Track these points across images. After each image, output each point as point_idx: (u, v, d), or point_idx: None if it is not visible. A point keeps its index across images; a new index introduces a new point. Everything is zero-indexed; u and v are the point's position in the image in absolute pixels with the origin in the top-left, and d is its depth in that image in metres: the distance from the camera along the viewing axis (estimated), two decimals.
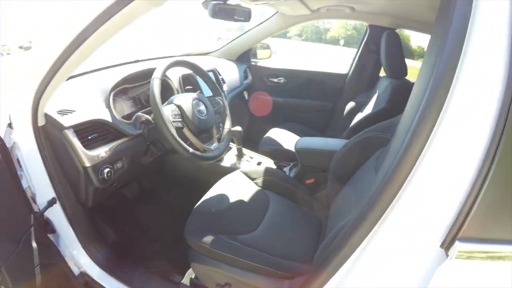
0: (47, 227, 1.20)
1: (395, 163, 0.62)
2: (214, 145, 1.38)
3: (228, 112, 1.54)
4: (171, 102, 1.30)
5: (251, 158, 1.93)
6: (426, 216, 0.62)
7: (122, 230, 1.58)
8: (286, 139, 2.21)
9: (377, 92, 2.12)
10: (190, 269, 1.50)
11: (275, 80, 2.82)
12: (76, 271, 1.32)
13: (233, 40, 2.69)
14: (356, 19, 2.62)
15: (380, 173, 0.71)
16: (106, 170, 1.20)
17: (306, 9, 2.07)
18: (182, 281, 1.44)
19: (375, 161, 1.09)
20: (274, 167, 1.90)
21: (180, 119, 1.26)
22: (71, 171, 1.14)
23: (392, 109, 1.79)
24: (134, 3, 0.75)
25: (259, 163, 1.89)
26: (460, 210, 0.58)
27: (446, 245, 0.61)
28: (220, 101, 1.52)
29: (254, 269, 1.05)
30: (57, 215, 1.19)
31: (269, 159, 1.98)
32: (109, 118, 1.25)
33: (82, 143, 1.12)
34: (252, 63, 2.85)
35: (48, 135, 1.08)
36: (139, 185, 1.87)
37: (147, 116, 1.24)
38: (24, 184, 1.12)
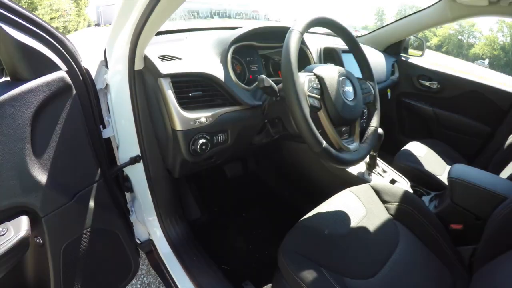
0: (125, 183, 1.03)
1: None
2: (355, 145, 0.94)
3: (378, 105, 1.06)
4: (310, 71, 0.91)
5: (384, 172, 1.49)
6: None
7: (209, 211, 1.37)
8: (429, 159, 1.74)
9: None
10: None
11: (427, 83, 2.21)
12: (143, 238, 1.17)
13: (383, 27, 2.15)
14: None
15: None
16: (201, 141, 0.91)
17: None
18: None
19: None
20: (411, 190, 1.41)
21: (319, 96, 0.86)
22: (161, 131, 0.92)
23: None
24: None
25: (392, 181, 1.44)
26: None
27: None
28: (372, 88, 1.04)
29: None
30: (138, 175, 1.02)
31: (405, 179, 1.51)
32: (221, 76, 0.96)
33: (179, 99, 0.87)
34: (402, 58, 2.27)
35: (144, 83, 0.87)
36: (243, 165, 1.61)
37: (273, 83, 0.89)
38: (109, 133, 0.95)
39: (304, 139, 0.80)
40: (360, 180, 1.31)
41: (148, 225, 1.13)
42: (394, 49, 2.27)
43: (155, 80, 0.85)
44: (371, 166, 1.42)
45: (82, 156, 0.76)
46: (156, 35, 0.86)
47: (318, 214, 0.96)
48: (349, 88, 0.92)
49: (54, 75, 0.68)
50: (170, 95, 0.85)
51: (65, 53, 0.72)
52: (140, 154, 0.96)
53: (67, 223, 0.76)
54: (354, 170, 1.38)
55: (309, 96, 0.83)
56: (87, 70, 0.81)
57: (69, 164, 0.74)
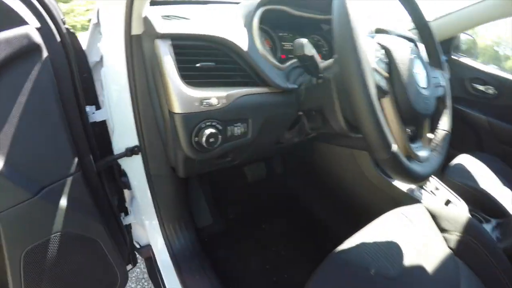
0: (121, 178, 0.87)
1: None
2: (425, 153, 0.68)
3: (450, 102, 0.79)
4: (371, 37, 0.68)
5: (437, 189, 1.22)
6: None
7: (223, 218, 1.17)
8: (486, 177, 1.47)
9: None
10: None
11: (481, 88, 1.88)
12: (142, 242, 1.00)
13: (432, 21, 1.83)
14: None
15: None
16: (209, 131, 0.66)
17: None
18: None
19: None
20: (467, 215, 1.14)
21: (387, 74, 0.62)
22: (159, 116, 0.72)
23: None
24: None
25: (448, 202, 1.17)
26: None
27: None
28: (442, 78, 0.78)
29: None
30: (135, 170, 0.85)
31: (461, 200, 1.25)
32: (243, 45, 0.72)
33: (182, 70, 0.65)
34: (453, 57, 1.94)
35: (143, 51, 0.67)
36: (268, 168, 1.39)
37: (316, 54, 0.65)
38: (103, 115, 0.78)
39: (366, 138, 0.56)
40: (409, 198, 1.07)
41: (148, 229, 0.96)
42: (444, 46, 1.97)
43: (152, 42, 0.65)
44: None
45: (52, 141, 0.60)
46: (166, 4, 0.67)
47: (361, 243, 0.74)
48: (421, 71, 0.67)
49: (17, 30, 0.52)
50: (168, 61, 0.63)
51: (38, 6, 0.56)
52: (138, 145, 0.79)
53: (30, 224, 0.60)
54: (400, 184, 1.12)
55: (377, 71, 0.60)
56: (71, 32, 0.65)
57: (34, 150, 0.58)
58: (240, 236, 1.20)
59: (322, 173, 1.32)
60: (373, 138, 0.54)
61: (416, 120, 0.69)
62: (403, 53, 0.64)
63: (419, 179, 0.62)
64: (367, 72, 0.52)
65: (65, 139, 0.61)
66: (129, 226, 0.99)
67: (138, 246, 1.03)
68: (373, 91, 0.53)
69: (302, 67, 0.70)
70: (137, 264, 1.30)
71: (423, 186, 1.18)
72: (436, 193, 1.18)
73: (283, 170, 1.44)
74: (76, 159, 0.63)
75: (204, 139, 0.66)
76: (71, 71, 0.62)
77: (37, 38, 0.55)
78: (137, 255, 1.05)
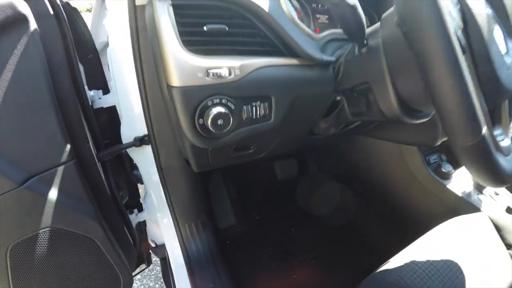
0: (133, 171, 0.80)
1: None
2: (507, 143, 0.50)
3: None
4: None
5: (496, 194, 1.01)
6: None
7: (248, 219, 1.06)
8: None
9: None
10: None
11: None
12: (158, 241, 0.93)
13: None
14: None
15: None
16: (217, 111, 0.52)
17: None
18: None
19: None
20: None
21: (462, 23, 0.46)
22: (164, 95, 0.61)
23: None
24: None
25: (509, 210, 0.98)
26: None
27: None
28: None
29: None
30: (146, 162, 0.77)
31: None
32: (265, 5, 0.57)
33: (184, 34, 0.52)
34: None
35: (146, 21, 0.57)
36: (300, 164, 1.25)
37: (357, 3, 0.50)
38: (111, 100, 0.71)
39: (445, 115, 0.39)
40: (467, 205, 0.90)
41: (162, 228, 0.88)
42: None
43: (151, 4, 0.53)
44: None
45: (41, 126, 0.53)
46: None
47: (411, 262, 0.61)
48: (499, 32, 0.50)
49: None
50: (165, 23, 0.51)
51: None
52: (148, 134, 0.71)
53: (15, 216, 0.54)
54: (457, 186, 0.94)
55: (450, 15, 0.44)
56: (70, 7, 0.57)
57: (20, 134, 0.51)
58: (266, 240, 1.08)
59: (363, 173, 1.15)
60: (457, 114, 0.38)
61: (496, 96, 0.50)
62: (480, 8, 0.47)
63: (508, 179, 0.45)
64: (446, 16, 0.37)
65: (55, 123, 0.54)
66: (143, 224, 0.92)
67: (153, 245, 0.96)
68: (456, 45, 0.37)
69: (339, 18, 0.52)
70: (157, 262, 1.25)
71: (481, 189, 0.98)
72: (495, 198, 0.98)
73: (318, 167, 1.29)
74: (68, 146, 0.56)
75: (209, 120, 0.52)
76: (66, 48, 0.55)
77: (24, 9, 0.48)
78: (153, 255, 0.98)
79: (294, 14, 0.60)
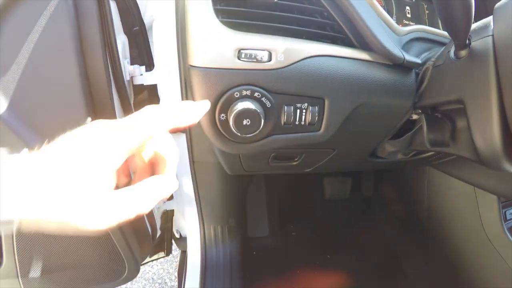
0: None
1: None
2: None
3: None
4: None
5: None
6: None
7: (283, 233, 0.95)
8: None
9: None
10: None
11: None
12: (183, 232, 0.88)
13: None
14: None
15: None
16: (243, 105, 0.40)
17: None
18: None
19: None
20: None
21: None
22: None
23: None
24: None
25: None
26: None
27: None
28: None
29: None
30: (181, 151, 0.70)
31: None
32: None
33: (221, 3, 0.42)
34: None
35: None
36: (353, 185, 1.09)
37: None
38: (152, 79, 0.66)
39: None
40: None
41: (187, 223, 0.82)
42: None
43: None
44: None
45: (63, 93, 0.49)
46: None
47: None
48: None
49: None
50: None
51: None
52: None
53: None
54: None
55: None
56: None
57: (41, 99, 0.48)
58: (296, 260, 0.96)
59: (425, 210, 0.95)
60: None
61: None
62: None
63: None
64: None
65: (79, 93, 0.49)
66: (171, 212, 0.87)
67: (177, 236, 0.91)
68: None
69: (440, 9, 0.37)
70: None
71: None
72: None
73: (373, 193, 1.11)
74: (89, 119, 0.51)
75: (232, 118, 0.40)
76: (103, 15, 0.49)
77: None
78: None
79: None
